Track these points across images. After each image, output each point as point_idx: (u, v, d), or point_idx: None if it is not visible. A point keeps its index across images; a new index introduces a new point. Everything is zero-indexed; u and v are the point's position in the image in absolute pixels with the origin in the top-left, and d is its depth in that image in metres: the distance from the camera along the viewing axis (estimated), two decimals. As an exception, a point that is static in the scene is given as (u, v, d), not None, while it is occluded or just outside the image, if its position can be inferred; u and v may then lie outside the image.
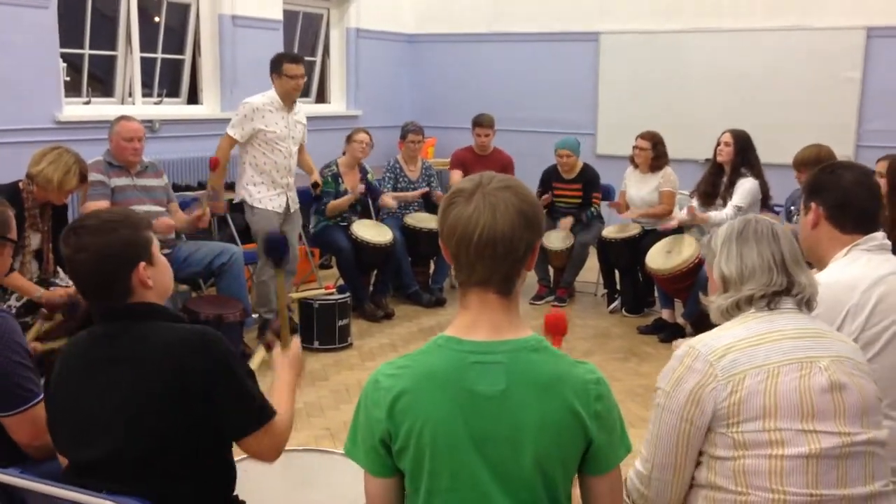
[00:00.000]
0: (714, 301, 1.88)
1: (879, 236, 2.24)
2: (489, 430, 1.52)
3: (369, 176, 6.14)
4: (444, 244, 1.59)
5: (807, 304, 1.82)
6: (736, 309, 1.82)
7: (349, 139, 5.98)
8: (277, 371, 2.14)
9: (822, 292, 2.12)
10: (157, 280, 1.89)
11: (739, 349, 1.72)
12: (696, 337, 1.81)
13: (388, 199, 6.19)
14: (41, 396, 2.09)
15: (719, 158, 5.35)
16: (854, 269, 2.19)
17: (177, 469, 1.76)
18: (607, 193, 6.61)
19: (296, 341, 2.26)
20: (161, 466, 1.74)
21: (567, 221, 6.28)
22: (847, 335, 2.08)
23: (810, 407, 1.67)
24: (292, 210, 5.39)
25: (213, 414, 1.76)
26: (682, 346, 1.81)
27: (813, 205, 2.30)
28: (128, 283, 1.84)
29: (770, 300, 1.79)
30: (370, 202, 6.30)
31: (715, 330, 1.82)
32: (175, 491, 1.74)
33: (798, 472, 1.64)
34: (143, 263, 1.86)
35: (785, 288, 1.80)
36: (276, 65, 5.17)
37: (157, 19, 6.68)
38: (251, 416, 1.82)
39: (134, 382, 1.75)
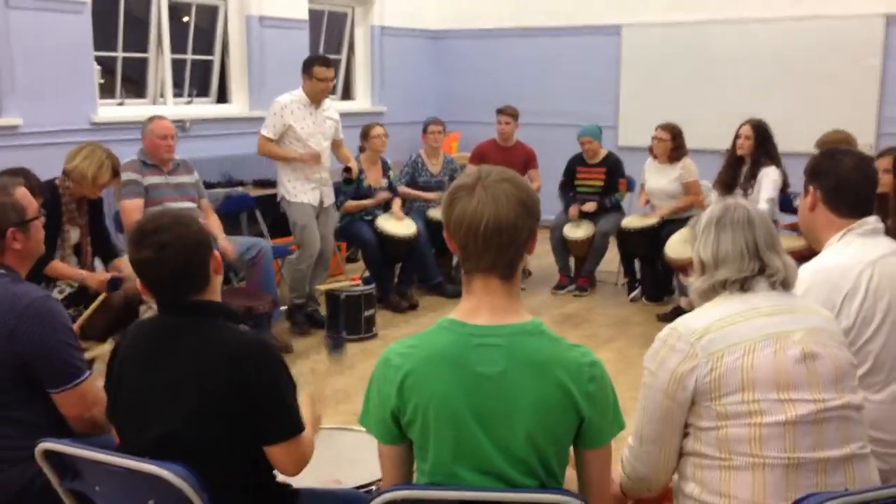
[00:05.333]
0: (693, 282, 2.00)
1: (872, 220, 2.33)
2: (488, 406, 1.66)
3: (391, 173, 6.29)
4: (450, 236, 1.72)
5: (783, 284, 1.93)
6: (712, 291, 1.94)
7: (366, 135, 6.11)
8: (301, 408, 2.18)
9: (819, 277, 2.25)
10: (220, 264, 2.05)
11: (717, 329, 1.84)
12: (678, 319, 1.93)
13: (406, 191, 6.46)
14: (88, 373, 2.27)
15: (739, 152, 5.42)
16: (848, 253, 2.29)
17: (225, 455, 1.89)
18: (629, 184, 6.70)
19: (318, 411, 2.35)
20: (210, 452, 1.87)
21: (590, 205, 6.37)
22: (845, 318, 2.19)
23: (785, 378, 1.79)
24: (326, 205, 5.55)
25: (255, 416, 1.89)
26: (665, 328, 1.93)
27: (811, 188, 2.40)
28: (207, 270, 1.99)
29: (742, 283, 1.90)
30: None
31: (695, 311, 1.93)
32: (222, 474, 1.87)
33: (776, 438, 1.76)
34: (215, 250, 2.02)
35: (758, 272, 1.91)
36: (308, 66, 5.34)
37: (185, 18, 6.87)
38: (284, 428, 1.94)
39: (193, 375, 1.88)
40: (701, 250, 1.98)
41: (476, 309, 1.71)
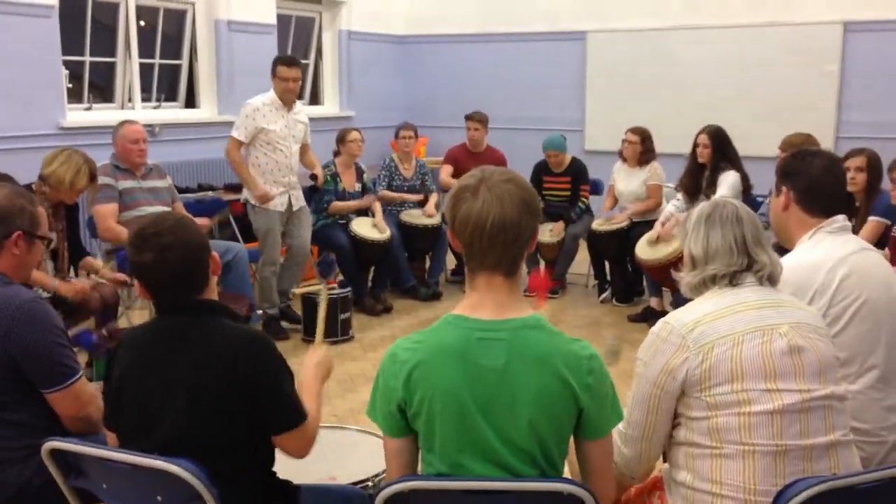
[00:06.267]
0: (684, 277, 2.09)
1: (840, 219, 2.44)
2: (492, 397, 1.71)
3: (365, 176, 6.33)
4: (454, 235, 1.78)
5: (769, 279, 2.02)
6: (703, 285, 2.03)
7: (342, 140, 6.15)
8: (306, 373, 2.30)
9: (790, 274, 2.33)
10: (218, 265, 2.09)
11: (707, 322, 1.93)
12: (670, 313, 2.02)
13: (387, 194, 6.48)
14: (82, 372, 2.28)
15: (700, 160, 5.56)
16: (818, 251, 2.39)
17: (232, 451, 1.92)
18: (596, 187, 6.82)
19: (325, 348, 2.45)
20: (217, 448, 1.90)
21: (558, 226, 6.41)
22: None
23: (772, 369, 1.87)
24: (296, 208, 5.57)
25: (257, 410, 1.93)
26: (658, 322, 2.02)
27: (784, 188, 2.50)
28: (207, 272, 2.03)
29: (731, 278, 2.00)
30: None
31: (687, 305, 2.02)
32: (229, 470, 1.89)
33: (764, 426, 1.85)
34: (213, 252, 2.06)
35: (746, 267, 2.00)
36: (273, 67, 5.38)
37: (141, 23, 6.78)
38: (287, 419, 1.99)
39: (197, 374, 1.91)
40: (692, 245, 2.07)
41: (480, 304, 1.77)
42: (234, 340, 1.95)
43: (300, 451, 2.05)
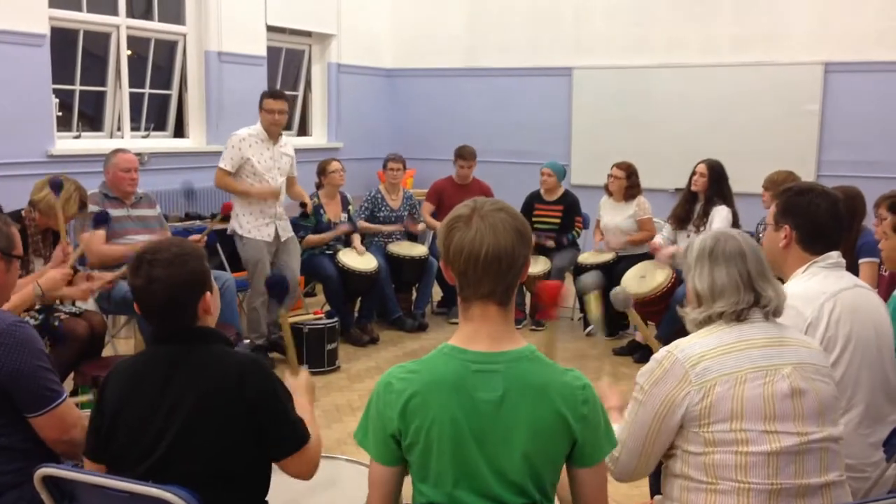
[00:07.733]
0: (689, 313, 2.09)
1: (835, 255, 2.48)
2: (487, 429, 1.73)
3: (350, 208, 6.35)
4: (448, 265, 1.79)
5: (774, 313, 2.04)
6: (708, 321, 2.03)
7: (324, 171, 6.18)
8: (298, 398, 2.26)
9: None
10: (214, 306, 2.09)
11: (711, 357, 1.93)
12: (674, 342, 2.02)
13: (366, 225, 6.48)
14: (65, 395, 2.27)
15: (694, 188, 5.62)
16: (812, 285, 2.42)
17: (225, 478, 1.93)
18: (584, 222, 6.86)
19: (304, 371, 2.48)
20: (209, 475, 1.90)
21: (549, 241, 6.47)
22: None
23: (772, 410, 1.89)
24: (283, 238, 5.59)
25: (260, 433, 1.94)
26: (662, 350, 2.02)
27: (786, 227, 2.49)
28: (195, 310, 2.02)
29: (739, 315, 2.00)
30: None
31: (690, 336, 2.03)
32: (218, 496, 1.90)
33: (760, 466, 1.87)
34: (208, 293, 2.05)
35: (753, 302, 2.00)
36: (260, 100, 5.47)
37: (128, 52, 6.81)
38: (295, 440, 2.01)
39: (199, 398, 1.91)
40: (696, 282, 2.07)
41: (475, 335, 1.79)
42: (238, 364, 1.96)
43: (306, 474, 2.06)
